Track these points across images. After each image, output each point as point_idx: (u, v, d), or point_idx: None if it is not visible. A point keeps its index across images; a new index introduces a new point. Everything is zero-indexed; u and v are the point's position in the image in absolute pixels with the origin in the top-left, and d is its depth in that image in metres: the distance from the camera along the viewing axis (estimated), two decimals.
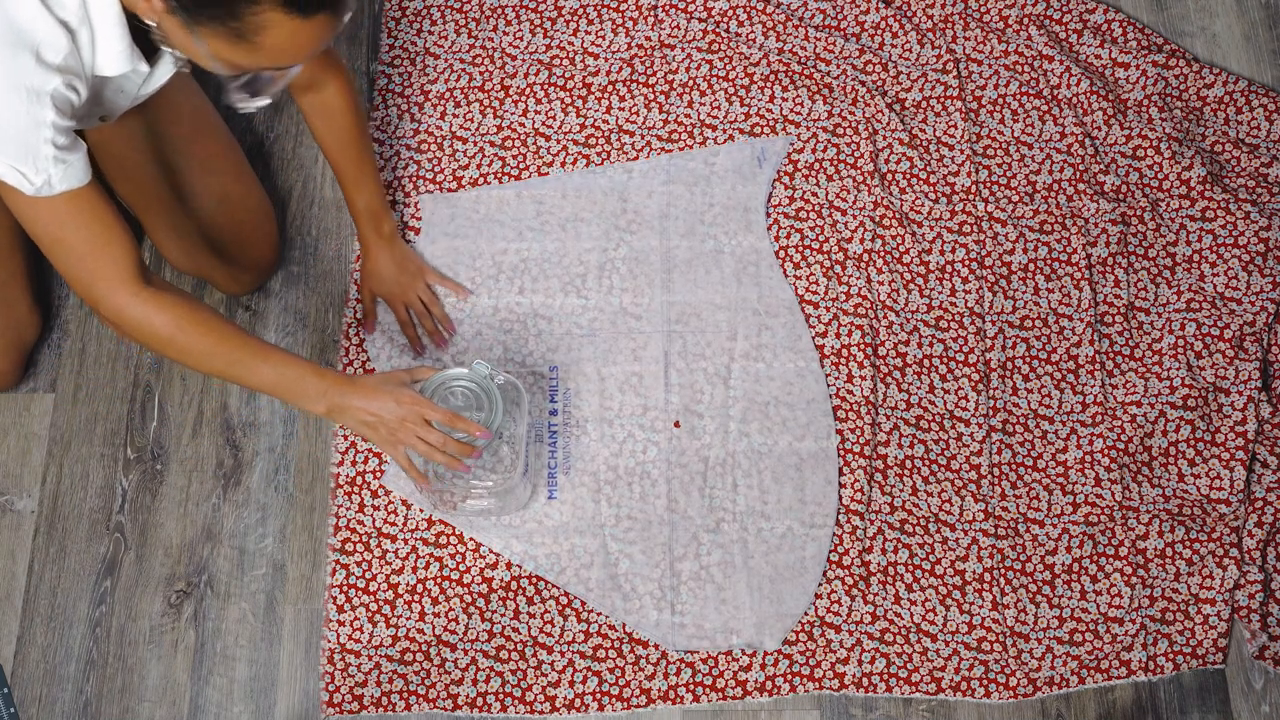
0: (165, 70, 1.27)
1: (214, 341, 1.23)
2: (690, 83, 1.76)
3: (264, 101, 1.17)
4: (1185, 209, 1.71)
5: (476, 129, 1.73)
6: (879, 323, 1.64)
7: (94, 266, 1.17)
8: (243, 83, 1.13)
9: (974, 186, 1.71)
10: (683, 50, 1.78)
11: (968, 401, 1.60)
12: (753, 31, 1.80)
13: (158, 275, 1.25)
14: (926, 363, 1.62)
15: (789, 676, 1.47)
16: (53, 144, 1.09)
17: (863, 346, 1.61)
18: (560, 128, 1.73)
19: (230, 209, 1.53)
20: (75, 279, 1.18)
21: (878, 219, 1.69)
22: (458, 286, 1.62)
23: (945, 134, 1.75)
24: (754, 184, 1.71)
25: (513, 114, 1.74)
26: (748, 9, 1.81)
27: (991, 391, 1.61)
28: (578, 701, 1.46)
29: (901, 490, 1.55)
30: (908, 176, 1.72)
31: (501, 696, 1.46)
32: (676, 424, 1.58)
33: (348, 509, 1.53)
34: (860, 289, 1.65)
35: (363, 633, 1.48)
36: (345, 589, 1.49)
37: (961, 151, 1.73)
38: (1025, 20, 1.81)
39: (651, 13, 1.80)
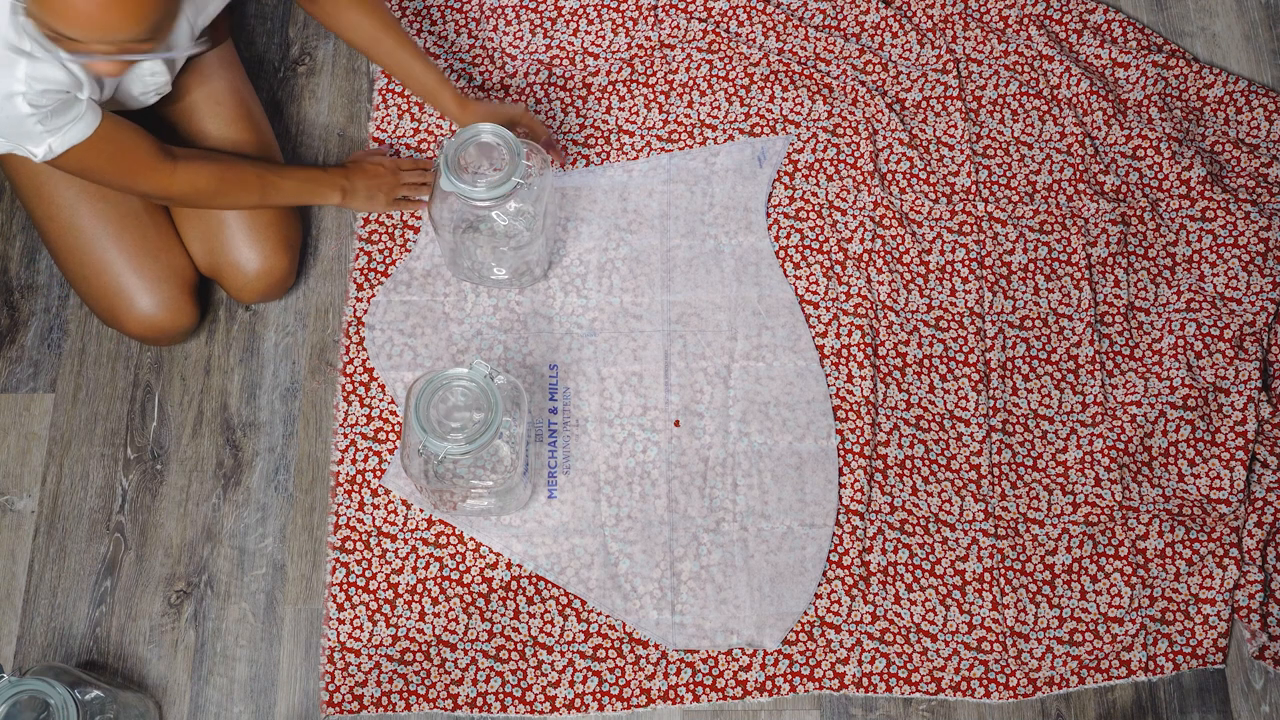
0: (160, 69, 1.38)
1: (248, 179, 1.46)
2: (690, 83, 1.76)
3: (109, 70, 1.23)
4: (1185, 209, 1.71)
5: None
6: (879, 323, 1.64)
7: (130, 176, 1.35)
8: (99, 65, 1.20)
9: (974, 186, 1.71)
10: (683, 50, 1.78)
11: (968, 401, 1.60)
12: (753, 31, 1.80)
13: (176, 147, 1.41)
14: (926, 363, 1.62)
15: (789, 676, 1.47)
16: (31, 105, 1.19)
17: (863, 346, 1.61)
18: (560, 127, 1.73)
19: None
20: (120, 188, 1.37)
21: (878, 219, 1.69)
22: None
23: (945, 134, 1.75)
24: (754, 184, 1.71)
25: None
26: (748, 9, 1.81)
27: (991, 391, 1.61)
28: (578, 701, 1.46)
29: (901, 490, 1.55)
30: (908, 176, 1.72)
31: (501, 696, 1.46)
32: (676, 423, 1.58)
33: (348, 507, 1.53)
34: (860, 289, 1.65)
35: (363, 631, 1.48)
36: (345, 587, 1.49)
37: (961, 151, 1.73)
38: (1025, 20, 1.81)
39: (651, 13, 1.80)
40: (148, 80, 1.40)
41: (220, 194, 1.44)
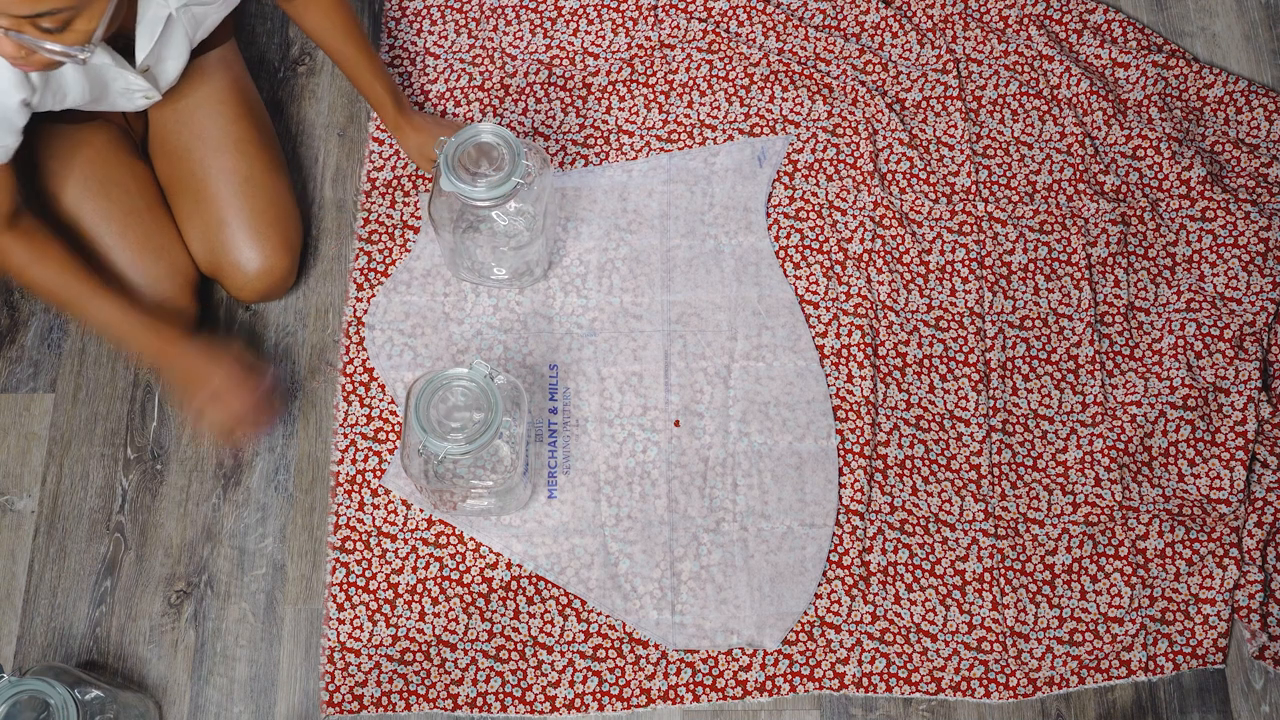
0: (135, 81, 1.35)
1: (59, 275, 1.36)
2: (690, 83, 1.76)
3: (82, 54, 1.13)
4: (1185, 209, 1.71)
5: None
6: (879, 323, 1.64)
7: None
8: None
9: (974, 186, 1.71)
10: (683, 50, 1.78)
11: (968, 401, 1.60)
12: (753, 31, 1.80)
13: (33, 218, 1.37)
14: (926, 363, 1.62)
15: (789, 676, 1.47)
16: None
17: (863, 346, 1.61)
18: (560, 128, 1.73)
19: (252, 193, 1.52)
20: None
21: (878, 219, 1.69)
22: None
23: (945, 134, 1.75)
24: (754, 184, 1.71)
25: (512, 114, 1.74)
26: (748, 9, 1.81)
27: (991, 391, 1.61)
28: (578, 701, 1.46)
29: (901, 490, 1.55)
30: (908, 176, 1.72)
31: (501, 696, 1.46)
32: (676, 423, 1.58)
33: (348, 507, 1.53)
34: (860, 289, 1.65)
35: (363, 631, 1.48)
36: (345, 587, 1.49)
37: (961, 151, 1.73)
38: (1025, 20, 1.81)
39: (651, 13, 1.80)
40: (130, 79, 1.35)
41: (23, 277, 1.37)
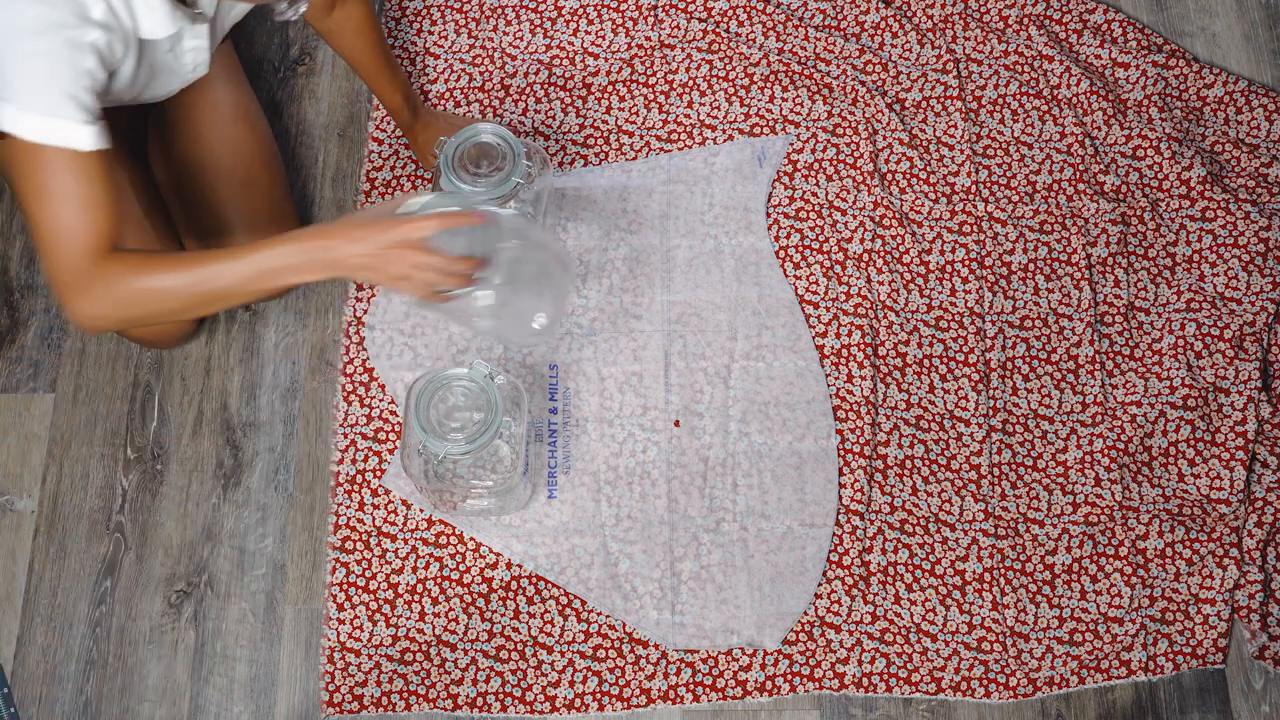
0: (201, 39, 1.28)
1: (177, 271, 1.15)
2: (690, 83, 1.76)
3: (303, 6, 1.32)
4: (1185, 209, 1.71)
5: None
6: (879, 323, 1.64)
7: (73, 239, 1.11)
8: None
9: (974, 186, 1.71)
10: (683, 50, 1.78)
11: (968, 401, 1.60)
12: (753, 31, 1.80)
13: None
14: (926, 363, 1.62)
15: (789, 676, 1.47)
16: (91, 93, 1.10)
17: (863, 346, 1.61)
18: (560, 128, 1.73)
19: (250, 194, 1.52)
20: (54, 245, 1.12)
21: (878, 219, 1.69)
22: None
23: (945, 134, 1.75)
24: (754, 184, 1.70)
25: (512, 114, 1.74)
26: (748, 9, 1.81)
27: (991, 391, 1.61)
28: (578, 701, 1.46)
29: (901, 490, 1.55)
30: (908, 176, 1.72)
31: (501, 696, 1.46)
32: (676, 423, 1.58)
33: (348, 507, 1.53)
34: (860, 289, 1.65)
35: (363, 631, 1.48)
36: (345, 587, 1.49)
37: (961, 151, 1.73)
38: (1025, 20, 1.81)
39: (651, 13, 1.80)
40: (186, 57, 1.32)
41: (137, 301, 1.15)
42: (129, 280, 1.14)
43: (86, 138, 1.10)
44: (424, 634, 1.48)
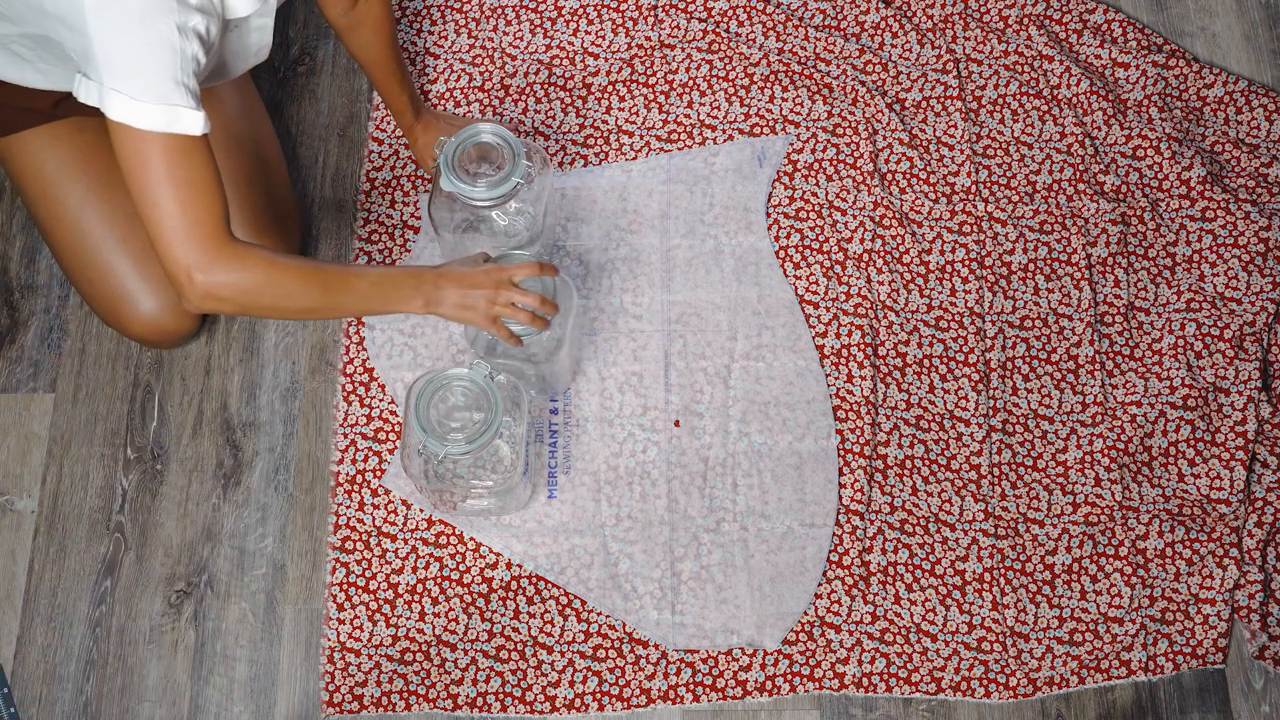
0: (269, 18, 1.29)
1: (308, 272, 1.23)
2: (690, 83, 1.76)
3: None
4: (1185, 209, 1.71)
5: None
6: (879, 323, 1.64)
7: (183, 216, 1.13)
8: None
9: (974, 186, 1.71)
10: (683, 50, 1.78)
11: (968, 401, 1.60)
12: (753, 31, 1.80)
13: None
14: (926, 363, 1.62)
15: (789, 676, 1.47)
16: (195, 77, 1.11)
17: (863, 346, 1.61)
18: (560, 128, 1.73)
19: (252, 191, 1.52)
20: (157, 220, 1.14)
21: (878, 219, 1.69)
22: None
23: (945, 134, 1.75)
24: (754, 183, 1.70)
25: (512, 114, 1.74)
26: (748, 9, 1.81)
27: (991, 391, 1.61)
28: (578, 701, 1.46)
29: (901, 490, 1.55)
30: (908, 176, 1.72)
31: (501, 696, 1.46)
32: (676, 423, 1.58)
33: (348, 507, 1.53)
34: (860, 289, 1.65)
35: (363, 631, 1.48)
36: (345, 587, 1.49)
37: (961, 151, 1.73)
38: (1025, 20, 1.81)
39: (651, 13, 1.80)
40: (253, 37, 1.32)
41: (267, 291, 1.20)
42: (263, 270, 1.19)
43: (198, 123, 1.12)
44: (424, 634, 1.48)
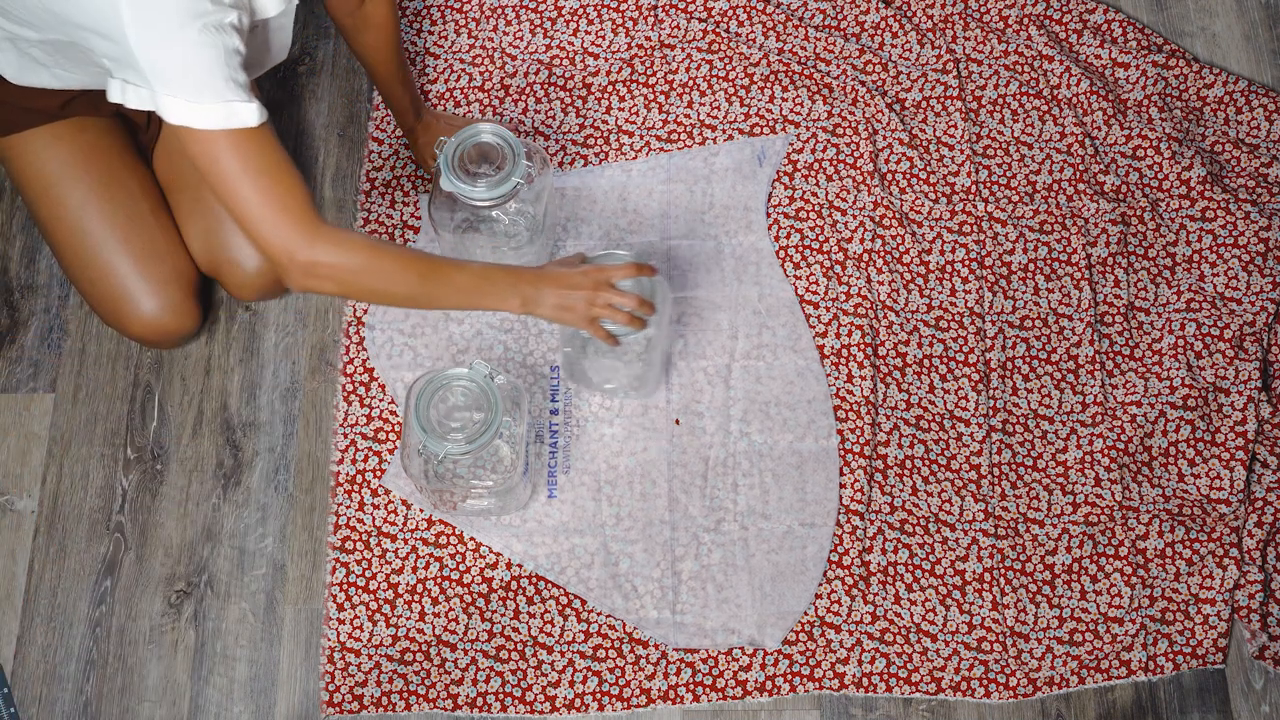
0: (290, 19, 1.30)
1: (407, 261, 1.24)
2: (690, 83, 1.76)
3: None
4: (1185, 209, 1.71)
5: None
6: (879, 323, 1.64)
7: (268, 208, 1.15)
8: None
9: (974, 186, 1.71)
10: (683, 50, 1.78)
11: (968, 401, 1.60)
12: (753, 31, 1.80)
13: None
14: (926, 363, 1.62)
15: (789, 676, 1.47)
16: (242, 70, 1.12)
17: (863, 346, 1.61)
18: (560, 128, 1.73)
19: None
20: (245, 217, 1.16)
21: (878, 219, 1.69)
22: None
23: (945, 134, 1.75)
24: (754, 183, 1.70)
25: (512, 114, 1.74)
26: (748, 9, 1.81)
27: (991, 391, 1.61)
28: (578, 701, 1.46)
29: (901, 490, 1.55)
30: (908, 176, 1.72)
31: (501, 696, 1.46)
32: (676, 422, 1.58)
33: (348, 507, 1.53)
34: (860, 289, 1.65)
35: (363, 631, 1.48)
36: (345, 587, 1.49)
37: (961, 151, 1.73)
38: (1025, 20, 1.81)
39: (651, 13, 1.80)
40: (275, 37, 1.32)
41: (368, 273, 1.21)
42: (363, 254, 1.21)
43: (254, 114, 1.13)
44: (424, 634, 1.48)
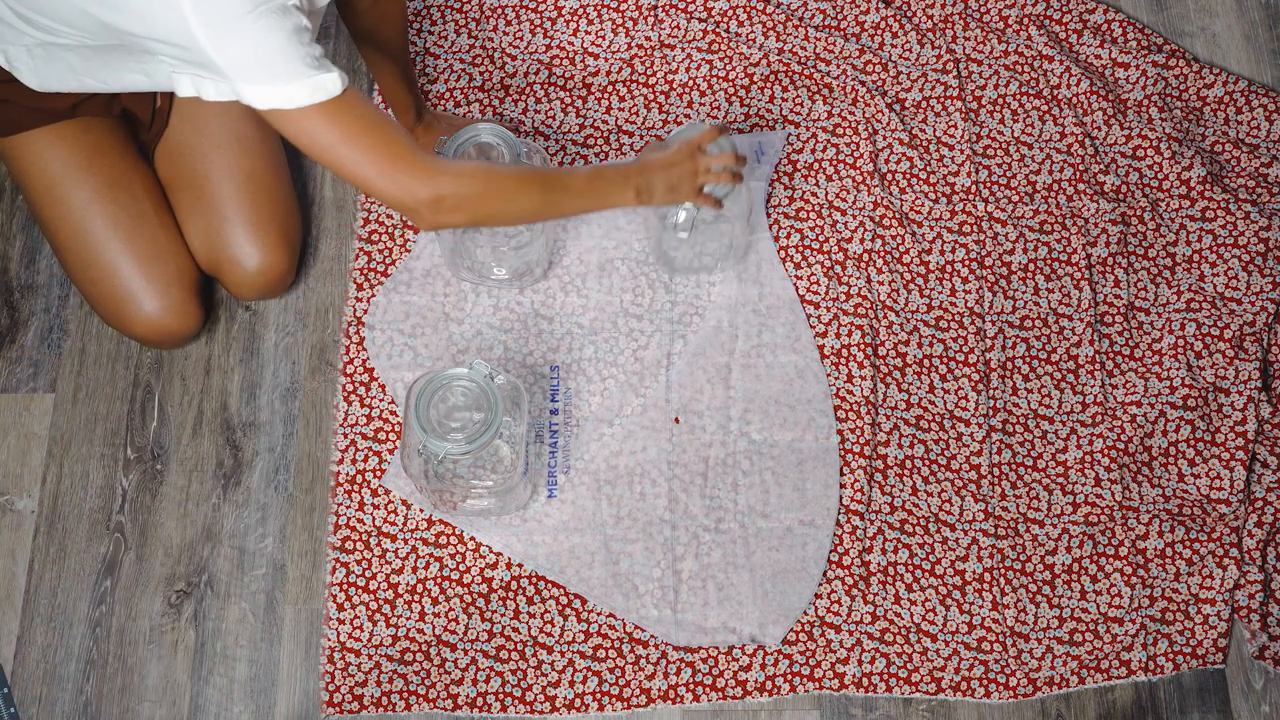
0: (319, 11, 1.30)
1: (526, 178, 1.29)
2: (690, 83, 1.76)
3: None
4: (1185, 209, 1.71)
5: None
6: (879, 323, 1.64)
7: (380, 164, 1.18)
8: None
9: (974, 186, 1.71)
10: (683, 50, 1.78)
11: (968, 401, 1.60)
12: (753, 31, 1.80)
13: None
14: (926, 363, 1.62)
15: (789, 676, 1.47)
16: (312, 43, 1.13)
17: (863, 346, 1.61)
18: (560, 128, 1.73)
19: (254, 189, 1.52)
20: (360, 177, 1.18)
21: (878, 219, 1.69)
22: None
23: (945, 134, 1.75)
24: (753, 179, 1.70)
25: (512, 114, 1.74)
26: (748, 9, 1.81)
27: (991, 391, 1.61)
28: (578, 701, 1.46)
29: (901, 490, 1.55)
30: (908, 176, 1.72)
31: (501, 696, 1.46)
32: (676, 421, 1.58)
33: (348, 507, 1.53)
34: (860, 289, 1.65)
35: (363, 631, 1.48)
36: (345, 587, 1.49)
37: (961, 151, 1.73)
38: (1025, 20, 1.81)
39: (651, 13, 1.80)
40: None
41: (492, 195, 1.25)
42: (482, 178, 1.25)
43: (336, 83, 1.14)
44: (424, 634, 1.48)
